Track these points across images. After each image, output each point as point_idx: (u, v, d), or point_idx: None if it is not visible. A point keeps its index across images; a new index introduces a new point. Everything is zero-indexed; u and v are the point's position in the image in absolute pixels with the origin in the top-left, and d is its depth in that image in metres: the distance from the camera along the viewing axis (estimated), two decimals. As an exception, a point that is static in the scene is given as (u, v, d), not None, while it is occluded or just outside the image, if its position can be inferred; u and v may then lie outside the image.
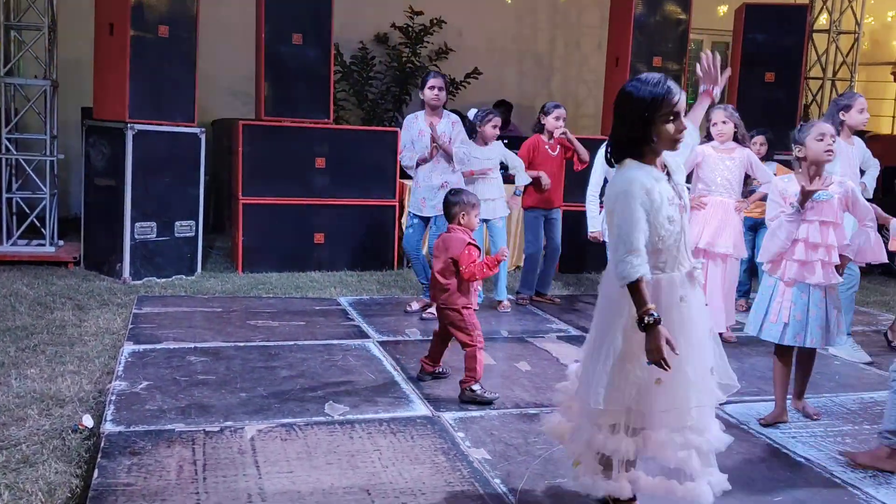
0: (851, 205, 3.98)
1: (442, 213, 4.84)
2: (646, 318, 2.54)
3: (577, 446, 2.90)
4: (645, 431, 2.75)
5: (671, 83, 2.68)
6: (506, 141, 7.42)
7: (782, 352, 4.07)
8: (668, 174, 2.76)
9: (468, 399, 4.16)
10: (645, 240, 2.60)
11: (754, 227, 6.42)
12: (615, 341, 2.69)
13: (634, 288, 2.58)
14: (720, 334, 5.51)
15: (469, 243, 4.25)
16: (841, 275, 3.99)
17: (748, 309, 6.51)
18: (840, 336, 4.05)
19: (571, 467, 2.94)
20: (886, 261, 4.21)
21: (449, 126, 5.93)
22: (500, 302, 6.30)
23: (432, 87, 5.85)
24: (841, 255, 3.96)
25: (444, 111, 5.98)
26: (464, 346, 4.24)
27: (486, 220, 6.11)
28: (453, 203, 4.40)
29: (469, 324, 4.23)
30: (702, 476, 2.73)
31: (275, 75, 7.25)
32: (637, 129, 2.67)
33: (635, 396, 2.69)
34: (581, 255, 7.78)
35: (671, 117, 2.65)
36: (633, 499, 2.87)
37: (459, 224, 4.37)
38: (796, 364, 4.14)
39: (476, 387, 4.17)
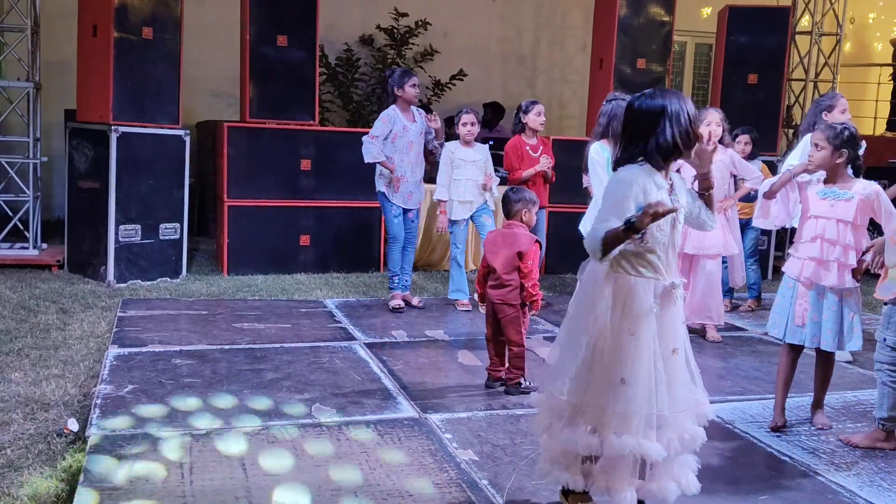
0: (877, 210, 3.81)
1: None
2: (630, 223, 2.56)
3: (538, 431, 2.98)
4: (604, 431, 2.75)
5: None
6: (492, 143, 7.43)
7: (794, 354, 4.02)
8: (672, 188, 2.83)
9: (515, 393, 4.32)
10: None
11: (741, 229, 6.46)
12: (588, 334, 2.75)
13: (606, 238, 2.60)
14: (705, 335, 5.62)
15: (536, 240, 4.34)
16: (858, 281, 3.86)
17: (732, 309, 6.59)
18: (856, 340, 3.88)
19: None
20: None
21: (424, 122, 6.25)
22: (456, 300, 6.34)
23: (414, 86, 6.10)
24: (859, 261, 3.82)
25: (413, 108, 6.23)
26: (514, 344, 4.33)
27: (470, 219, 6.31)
28: (515, 200, 4.42)
29: (523, 322, 4.34)
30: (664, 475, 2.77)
31: (260, 77, 7.24)
32: (683, 139, 2.75)
33: (594, 392, 2.75)
34: (567, 257, 7.79)
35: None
36: (587, 493, 2.89)
37: (521, 220, 4.41)
38: (815, 367, 4.08)
39: (523, 381, 4.34)
